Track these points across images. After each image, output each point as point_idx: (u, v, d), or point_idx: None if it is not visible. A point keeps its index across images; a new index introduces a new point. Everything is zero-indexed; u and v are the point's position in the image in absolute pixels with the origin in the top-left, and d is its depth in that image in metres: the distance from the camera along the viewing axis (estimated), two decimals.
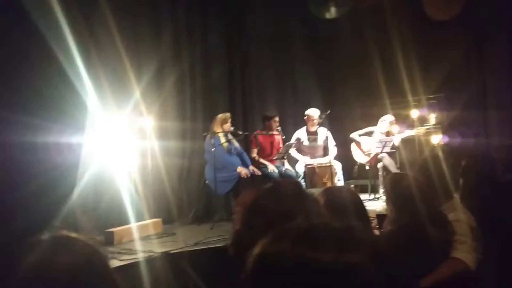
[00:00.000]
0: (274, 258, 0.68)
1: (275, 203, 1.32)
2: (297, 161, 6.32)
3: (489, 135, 6.36)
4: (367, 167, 6.42)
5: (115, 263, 3.65)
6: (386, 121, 6.30)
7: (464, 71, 6.73)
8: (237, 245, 1.20)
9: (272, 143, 6.11)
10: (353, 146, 6.54)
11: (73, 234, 1.02)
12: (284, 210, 1.26)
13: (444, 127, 6.35)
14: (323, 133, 6.31)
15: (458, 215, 2.39)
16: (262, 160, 5.90)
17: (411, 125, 6.38)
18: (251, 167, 5.61)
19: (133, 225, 4.59)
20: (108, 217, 4.82)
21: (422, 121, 6.41)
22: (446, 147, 5.97)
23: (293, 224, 0.73)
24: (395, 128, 6.30)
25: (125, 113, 4.90)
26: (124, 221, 4.66)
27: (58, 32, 4.19)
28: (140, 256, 3.83)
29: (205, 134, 5.46)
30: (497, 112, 6.34)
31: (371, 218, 4.15)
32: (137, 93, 5.04)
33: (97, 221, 4.81)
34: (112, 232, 4.47)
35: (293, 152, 6.25)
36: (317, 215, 1.34)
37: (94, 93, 4.27)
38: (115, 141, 4.80)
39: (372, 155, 6.31)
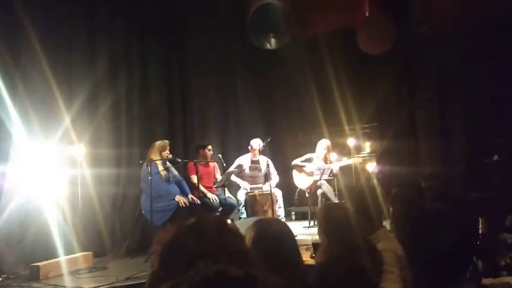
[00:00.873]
0: None
1: (196, 241, 1.25)
2: (238, 188, 6.30)
3: (419, 164, 6.67)
4: (307, 194, 6.49)
5: None
6: (322, 146, 6.44)
7: (395, 102, 7.10)
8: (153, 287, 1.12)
9: (208, 172, 6.07)
10: (294, 172, 6.61)
11: None
12: (205, 249, 1.19)
13: (378, 156, 6.59)
14: (264, 162, 6.35)
15: (387, 244, 2.42)
16: (202, 189, 5.81)
17: (348, 153, 6.56)
18: (190, 196, 5.50)
19: (61, 258, 4.42)
20: (34, 250, 4.59)
21: (358, 149, 6.63)
22: (378, 175, 6.19)
23: (191, 272, 0.68)
24: (333, 156, 6.45)
25: (53, 141, 4.68)
26: (51, 254, 4.47)
27: None
28: None
29: (141, 161, 5.30)
30: (426, 142, 6.69)
31: (308, 247, 4.20)
32: (67, 120, 4.85)
33: (22, 254, 4.58)
34: (38, 266, 4.25)
35: (234, 178, 6.24)
36: (241, 254, 1.28)
37: (19, 121, 4.06)
38: (42, 170, 4.56)
39: (311, 182, 6.40)
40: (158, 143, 5.40)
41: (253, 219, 4.40)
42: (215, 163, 6.23)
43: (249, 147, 6.37)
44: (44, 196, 4.56)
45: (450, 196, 3.39)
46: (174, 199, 5.25)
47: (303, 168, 6.49)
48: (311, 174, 6.40)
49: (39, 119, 4.62)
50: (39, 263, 4.27)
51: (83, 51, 5.50)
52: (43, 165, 4.58)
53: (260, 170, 6.39)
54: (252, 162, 6.40)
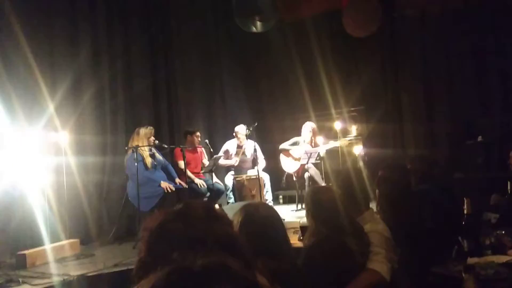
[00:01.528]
0: None
1: (183, 227, 1.23)
2: (225, 174, 6.29)
3: (404, 146, 6.74)
4: (294, 178, 6.51)
5: None
6: (307, 129, 6.44)
7: (381, 85, 7.12)
8: (140, 275, 1.11)
9: (195, 158, 6.05)
10: (282, 156, 6.62)
11: None
12: (193, 235, 1.18)
13: (364, 139, 6.62)
14: (251, 146, 6.33)
15: (374, 225, 2.45)
16: (189, 174, 5.78)
17: (334, 137, 6.58)
18: (177, 180, 5.47)
19: (48, 246, 4.37)
20: (19, 238, 4.55)
21: (345, 132, 6.65)
22: (364, 158, 6.23)
23: (161, 268, 0.67)
24: (320, 139, 6.46)
25: (37, 128, 4.60)
26: (37, 242, 4.42)
27: None
28: (55, 280, 3.64)
29: (127, 148, 5.23)
30: (411, 124, 6.75)
31: (296, 230, 4.23)
32: (51, 106, 4.77)
33: (8, 242, 4.53)
34: (24, 255, 4.21)
35: (222, 161, 6.22)
36: (228, 239, 1.28)
37: (2, 107, 3.99)
38: (26, 157, 4.49)
39: (298, 166, 6.42)
40: (143, 129, 5.30)
41: (241, 203, 4.41)
42: (202, 148, 6.20)
43: (234, 134, 6.35)
44: (29, 183, 4.49)
45: (435, 178, 3.43)
46: (160, 185, 5.22)
47: (291, 153, 6.50)
48: (298, 159, 6.42)
49: (22, 105, 4.54)
50: (26, 251, 4.23)
51: (66, 37, 5.39)
52: (27, 152, 4.51)
53: (246, 155, 6.39)
54: (238, 147, 6.39)
